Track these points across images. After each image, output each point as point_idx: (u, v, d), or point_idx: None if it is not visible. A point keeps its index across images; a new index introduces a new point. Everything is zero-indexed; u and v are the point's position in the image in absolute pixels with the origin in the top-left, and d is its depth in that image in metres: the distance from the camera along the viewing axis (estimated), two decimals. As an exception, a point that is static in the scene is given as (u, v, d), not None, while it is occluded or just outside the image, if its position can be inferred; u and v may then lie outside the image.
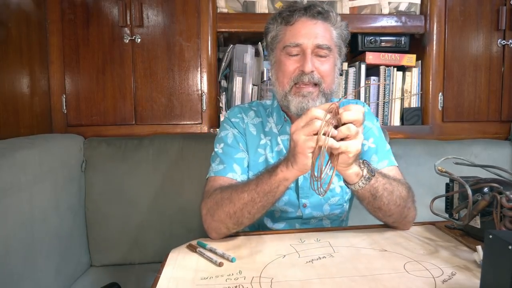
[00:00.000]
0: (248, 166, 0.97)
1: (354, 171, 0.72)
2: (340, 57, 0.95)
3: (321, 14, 0.89)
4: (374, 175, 0.74)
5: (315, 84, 0.89)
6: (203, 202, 0.87)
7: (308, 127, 0.65)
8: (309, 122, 0.65)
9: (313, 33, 0.88)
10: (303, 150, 0.66)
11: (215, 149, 0.98)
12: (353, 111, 0.65)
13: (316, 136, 0.64)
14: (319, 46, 0.88)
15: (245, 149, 0.97)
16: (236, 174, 0.92)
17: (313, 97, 0.89)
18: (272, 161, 0.96)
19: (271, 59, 0.98)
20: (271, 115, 1.02)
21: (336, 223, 1.00)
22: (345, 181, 0.76)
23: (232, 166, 0.93)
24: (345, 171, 0.72)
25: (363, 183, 0.74)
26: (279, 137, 0.99)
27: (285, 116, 0.99)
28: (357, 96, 1.53)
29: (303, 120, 0.66)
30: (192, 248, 0.77)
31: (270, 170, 0.75)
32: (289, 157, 0.71)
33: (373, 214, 0.85)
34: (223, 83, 1.55)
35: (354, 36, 1.55)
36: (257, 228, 1.01)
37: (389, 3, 1.52)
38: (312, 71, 0.87)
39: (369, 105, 1.54)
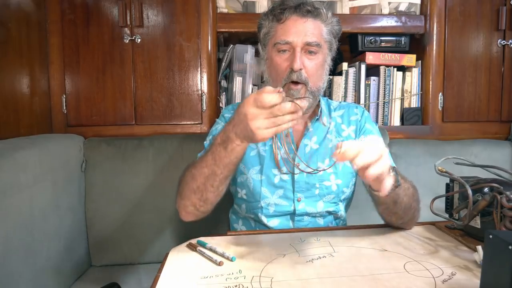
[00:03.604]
0: None
1: (390, 181, 0.70)
2: (331, 52, 0.99)
3: (311, 12, 0.92)
4: (400, 185, 0.74)
5: (303, 83, 0.91)
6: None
7: (265, 116, 0.66)
8: (266, 109, 0.66)
9: (303, 31, 0.91)
10: (263, 138, 0.68)
11: (205, 142, 1.02)
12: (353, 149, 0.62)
13: (272, 120, 0.66)
14: (308, 44, 0.91)
15: None
16: None
17: (300, 95, 0.91)
18: (264, 154, 0.98)
19: (263, 54, 1.01)
20: None
21: (329, 220, 1.00)
22: (369, 186, 0.75)
23: None
24: (382, 181, 0.68)
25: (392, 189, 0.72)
26: None
27: None
28: (357, 96, 1.53)
29: (258, 106, 0.67)
30: (192, 247, 0.77)
31: (223, 143, 0.75)
32: (243, 133, 0.71)
33: (385, 217, 0.85)
34: (223, 83, 1.55)
35: (354, 36, 1.55)
36: (253, 226, 1.02)
37: (389, 3, 1.52)
38: (301, 69, 0.90)
39: (369, 106, 1.54)
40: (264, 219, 0.98)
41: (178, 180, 0.89)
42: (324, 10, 0.94)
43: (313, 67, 0.92)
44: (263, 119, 0.67)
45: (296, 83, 0.91)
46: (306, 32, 0.91)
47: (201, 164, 0.79)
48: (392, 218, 0.83)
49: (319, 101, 1.04)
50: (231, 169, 0.78)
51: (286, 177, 0.97)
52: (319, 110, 1.01)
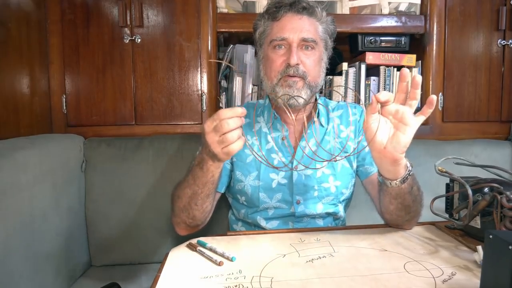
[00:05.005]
0: (234, 166, 1.00)
1: (404, 162, 0.73)
2: (327, 51, 0.98)
3: (306, 9, 0.92)
4: (412, 168, 0.75)
5: (300, 77, 0.91)
6: None
7: (217, 131, 0.68)
8: (219, 124, 0.68)
9: (298, 27, 0.91)
10: (220, 153, 0.70)
11: None
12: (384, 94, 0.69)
13: (222, 138, 0.68)
14: (304, 40, 0.91)
15: None
16: None
17: (298, 87, 0.91)
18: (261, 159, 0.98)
19: (259, 54, 1.01)
20: (262, 114, 1.03)
21: (328, 221, 1.00)
22: (383, 183, 0.76)
23: None
24: (399, 160, 0.70)
25: (407, 174, 0.73)
26: (269, 136, 1.00)
27: (275, 113, 1.00)
28: (357, 96, 1.52)
29: (213, 122, 0.69)
30: (192, 247, 0.77)
31: (199, 164, 0.78)
32: (210, 153, 0.73)
33: (395, 214, 0.81)
34: (223, 83, 1.55)
35: (354, 36, 1.55)
36: (253, 228, 1.01)
37: (389, 3, 1.52)
38: (298, 64, 0.90)
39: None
40: (263, 223, 0.98)
41: (170, 196, 0.93)
42: (319, 9, 0.94)
43: (311, 63, 0.92)
44: (218, 137, 0.69)
45: (292, 76, 0.90)
46: (302, 28, 0.91)
47: (184, 184, 0.83)
48: (401, 212, 0.80)
49: (316, 101, 1.03)
50: (210, 188, 0.81)
51: (284, 180, 0.97)
52: (317, 111, 1.00)
